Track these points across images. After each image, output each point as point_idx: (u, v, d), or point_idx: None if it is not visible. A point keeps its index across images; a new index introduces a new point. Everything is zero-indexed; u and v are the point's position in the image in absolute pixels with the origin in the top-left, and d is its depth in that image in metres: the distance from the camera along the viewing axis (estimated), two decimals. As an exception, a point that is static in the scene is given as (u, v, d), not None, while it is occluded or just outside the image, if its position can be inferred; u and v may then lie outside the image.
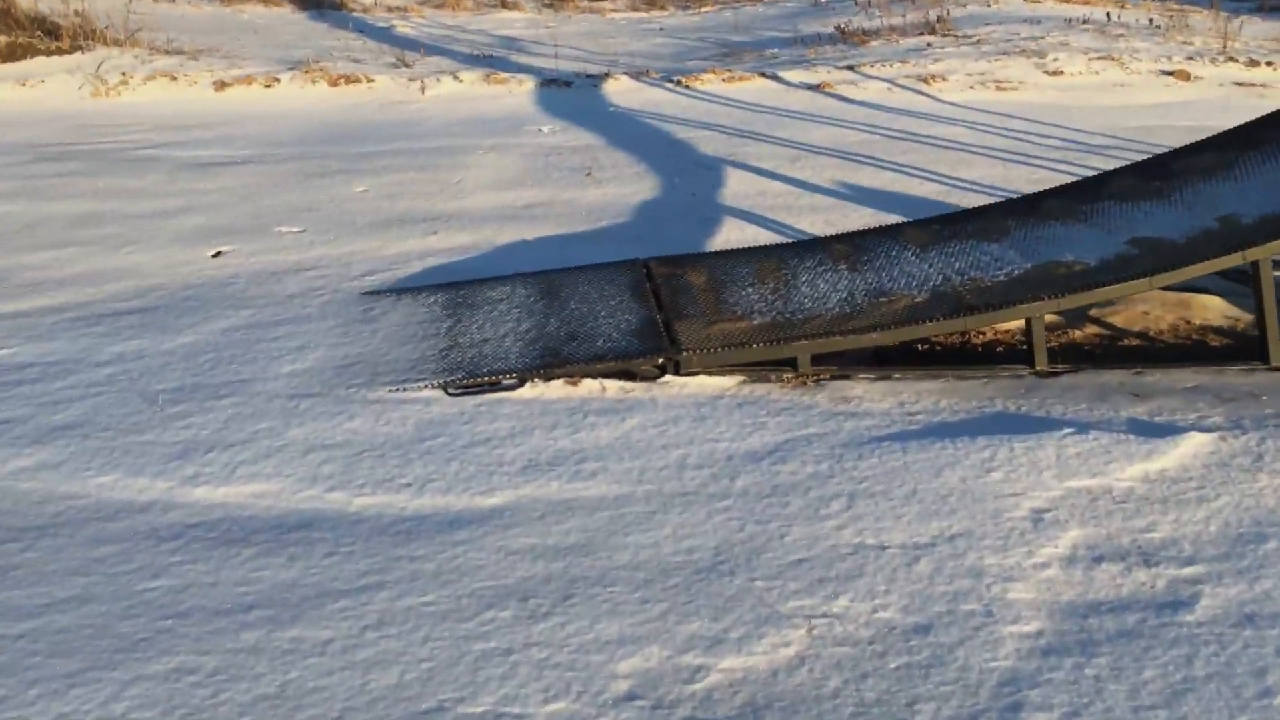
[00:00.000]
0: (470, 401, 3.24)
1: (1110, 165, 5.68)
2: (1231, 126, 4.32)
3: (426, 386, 3.34)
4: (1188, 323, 3.88)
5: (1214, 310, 3.95)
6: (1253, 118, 4.36)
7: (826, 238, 4.31)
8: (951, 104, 7.37)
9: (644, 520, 2.61)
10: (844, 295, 3.67)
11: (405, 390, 3.31)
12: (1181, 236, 3.60)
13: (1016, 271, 3.65)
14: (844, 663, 2.09)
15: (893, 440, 2.95)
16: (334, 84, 8.16)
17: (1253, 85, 7.88)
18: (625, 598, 2.31)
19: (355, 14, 11.48)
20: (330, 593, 2.35)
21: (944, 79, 7.90)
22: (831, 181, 5.65)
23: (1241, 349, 3.61)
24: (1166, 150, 4.43)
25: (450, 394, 3.31)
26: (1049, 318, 3.55)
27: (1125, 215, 3.87)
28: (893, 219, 4.68)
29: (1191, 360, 3.48)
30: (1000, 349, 3.73)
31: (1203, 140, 4.30)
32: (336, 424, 3.10)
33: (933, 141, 6.44)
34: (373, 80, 8.27)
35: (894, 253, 3.96)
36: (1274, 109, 4.34)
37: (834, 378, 3.42)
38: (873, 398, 3.25)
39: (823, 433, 3.02)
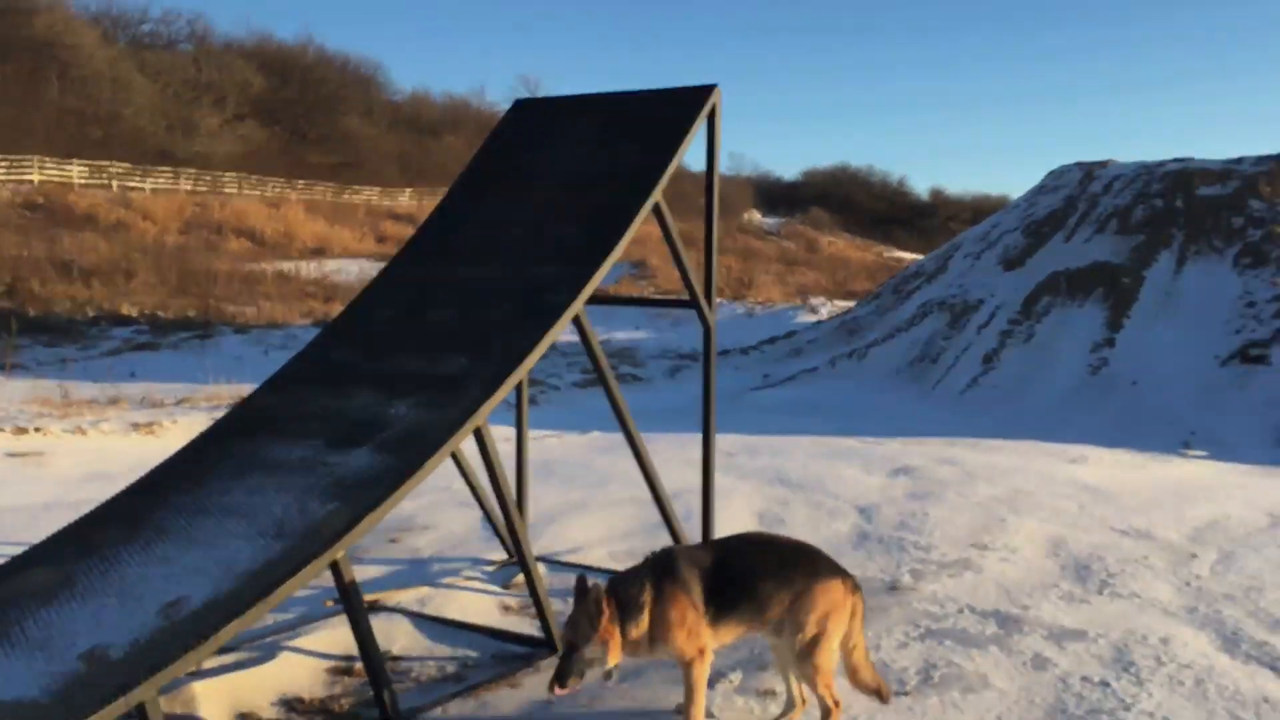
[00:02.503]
0: None
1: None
2: (58, 530, 3.70)
3: None
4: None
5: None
6: (79, 513, 3.81)
7: None
8: None
9: None
10: None
11: None
12: (41, 690, 2.82)
13: None
14: None
15: None
16: None
17: (29, 454, 7.39)
18: None
19: None
20: None
21: None
22: None
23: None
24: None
25: None
26: None
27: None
28: None
29: None
30: None
31: (27, 552, 3.58)
32: None
33: None
34: None
35: None
36: (95, 501, 3.86)
37: None
38: None
39: None
